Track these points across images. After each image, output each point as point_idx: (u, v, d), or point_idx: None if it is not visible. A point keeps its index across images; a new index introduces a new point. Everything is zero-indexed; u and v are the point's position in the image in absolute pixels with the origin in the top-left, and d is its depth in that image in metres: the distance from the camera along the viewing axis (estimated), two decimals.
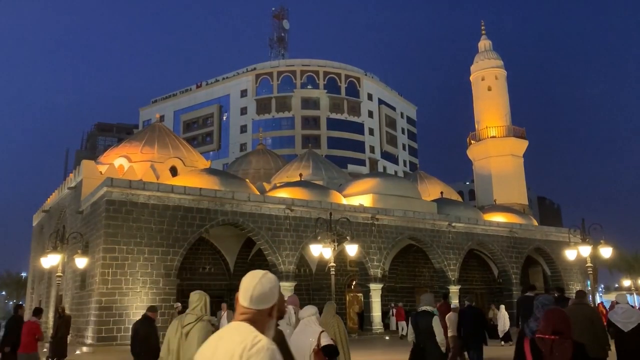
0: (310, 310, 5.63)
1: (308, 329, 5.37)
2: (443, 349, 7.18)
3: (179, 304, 18.86)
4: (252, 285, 2.37)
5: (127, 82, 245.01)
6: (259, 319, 2.30)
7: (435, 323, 7.29)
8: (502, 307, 22.55)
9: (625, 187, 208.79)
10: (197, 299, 5.20)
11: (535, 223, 38.59)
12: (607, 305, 26.49)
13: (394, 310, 28.16)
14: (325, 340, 5.21)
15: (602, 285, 61.87)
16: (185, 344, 4.93)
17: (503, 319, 21.04)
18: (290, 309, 6.99)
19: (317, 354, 5.06)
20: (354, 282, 31.68)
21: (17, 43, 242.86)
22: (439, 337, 7.19)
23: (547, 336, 3.98)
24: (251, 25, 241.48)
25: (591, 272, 20.96)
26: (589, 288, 25.91)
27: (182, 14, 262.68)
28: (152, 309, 9.26)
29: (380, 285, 27.30)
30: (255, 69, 72.42)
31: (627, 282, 48.02)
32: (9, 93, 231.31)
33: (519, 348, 4.38)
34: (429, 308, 7.80)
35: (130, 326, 19.59)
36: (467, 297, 12.84)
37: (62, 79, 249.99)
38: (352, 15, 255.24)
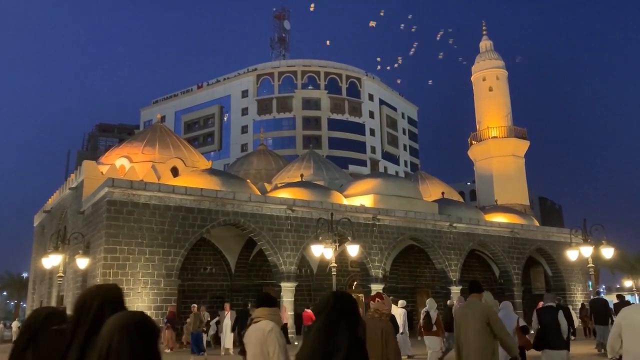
0: (508, 303, 9.56)
1: (511, 315, 8.96)
2: (565, 336, 9.10)
3: (195, 306, 21.66)
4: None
5: (128, 82, 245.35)
6: None
7: (561, 316, 9.07)
8: (570, 307, 23.01)
9: (627, 188, 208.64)
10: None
11: (537, 223, 38.55)
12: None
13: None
14: (521, 322, 9.05)
15: (604, 286, 61.76)
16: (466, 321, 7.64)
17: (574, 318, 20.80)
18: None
19: (517, 330, 8.61)
20: (355, 283, 31.66)
21: (18, 43, 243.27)
22: (563, 327, 9.05)
23: None
24: (252, 25, 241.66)
25: (593, 273, 20.94)
26: (591, 289, 25.90)
27: (183, 15, 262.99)
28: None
29: (381, 286, 27.26)
30: (256, 69, 72.47)
31: (628, 283, 47.94)
32: (10, 93, 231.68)
33: None
34: (553, 304, 9.91)
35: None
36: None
37: (63, 79, 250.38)
38: (352, 15, 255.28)
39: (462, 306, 6.61)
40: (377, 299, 5.47)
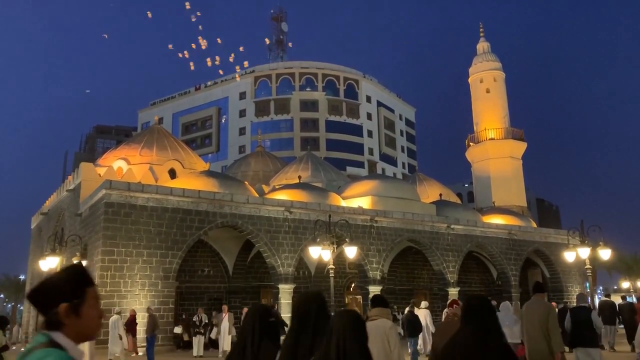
0: (507, 304, 11.22)
1: (509, 316, 10.26)
2: (599, 331, 9.63)
3: (150, 307, 19.61)
4: None
5: (126, 84, 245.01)
6: None
7: (595, 316, 9.53)
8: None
9: (624, 189, 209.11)
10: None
11: (534, 225, 38.61)
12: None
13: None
14: None
15: (601, 287, 61.84)
16: (531, 316, 7.86)
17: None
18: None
19: None
20: (352, 284, 31.65)
21: (15, 45, 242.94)
22: (599, 325, 9.50)
23: None
24: (250, 27, 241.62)
25: (590, 274, 20.99)
26: (588, 290, 25.95)
27: (181, 15, 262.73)
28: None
29: (379, 288, 27.27)
30: (254, 71, 72.43)
31: (625, 284, 48.02)
32: (8, 95, 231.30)
33: None
34: (586, 304, 10.20)
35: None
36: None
37: (61, 81, 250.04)
38: (350, 17, 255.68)
39: (527, 303, 7.79)
40: (454, 304, 6.76)
